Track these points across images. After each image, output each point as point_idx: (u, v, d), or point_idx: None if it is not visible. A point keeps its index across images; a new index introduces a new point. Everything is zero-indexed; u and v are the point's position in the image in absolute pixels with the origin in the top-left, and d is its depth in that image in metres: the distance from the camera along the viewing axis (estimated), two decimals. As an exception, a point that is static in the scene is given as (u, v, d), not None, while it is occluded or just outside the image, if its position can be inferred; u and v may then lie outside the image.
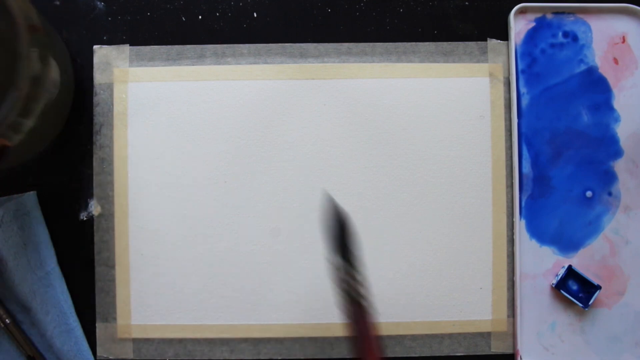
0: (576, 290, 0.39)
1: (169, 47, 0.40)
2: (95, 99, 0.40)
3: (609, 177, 0.40)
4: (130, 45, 0.40)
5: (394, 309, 0.40)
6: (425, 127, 0.40)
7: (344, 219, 0.33)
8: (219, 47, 0.40)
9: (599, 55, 0.40)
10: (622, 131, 0.40)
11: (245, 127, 0.40)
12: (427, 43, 0.40)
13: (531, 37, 0.40)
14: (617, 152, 0.40)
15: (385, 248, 0.40)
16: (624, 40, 0.40)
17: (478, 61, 0.40)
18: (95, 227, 0.40)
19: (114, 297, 0.39)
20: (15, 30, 0.29)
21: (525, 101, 0.40)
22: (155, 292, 0.39)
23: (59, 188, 0.40)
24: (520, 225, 0.40)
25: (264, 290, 0.40)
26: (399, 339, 0.40)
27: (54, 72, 0.33)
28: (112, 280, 0.39)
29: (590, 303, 0.39)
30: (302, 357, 0.40)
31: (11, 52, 0.29)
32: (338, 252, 0.32)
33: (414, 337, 0.40)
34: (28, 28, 0.30)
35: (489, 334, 0.40)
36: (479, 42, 0.40)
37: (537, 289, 0.40)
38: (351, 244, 0.33)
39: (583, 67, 0.40)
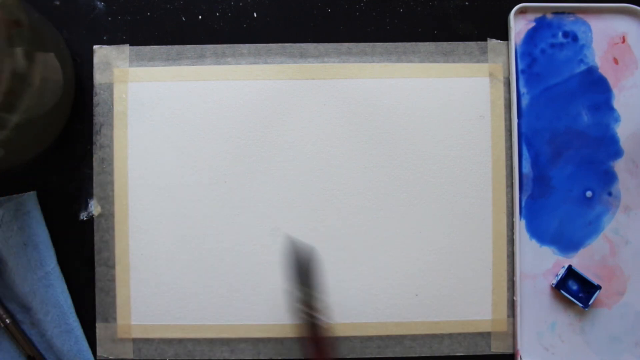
0: (576, 290, 0.39)
1: (169, 47, 0.40)
2: (95, 99, 0.40)
3: (609, 177, 0.40)
4: (130, 45, 0.40)
5: (394, 309, 0.40)
6: (425, 127, 0.40)
7: (306, 255, 0.36)
8: (219, 47, 0.40)
9: (599, 55, 0.40)
10: (622, 131, 0.40)
11: (245, 127, 0.40)
12: (427, 43, 0.40)
13: (531, 37, 0.40)
14: (617, 152, 0.40)
15: (385, 248, 0.40)
16: (624, 40, 0.40)
17: (478, 61, 0.40)
18: (95, 227, 0.40)
19: (114, 297, 0.39)
20: None
21: (525, 101, 0.40)
22: (155, 292, 0.39)
23: (59, 188, 0.40)
24: (520, 225, 0.40)
25: (264, 290, 0.40)
26: (399, 339, 0.40)
27: (43, 70, 0.33)
28: (112, 280, 0.39)
29: (590, 303, 0.39)
30: (302, 357, 0.40)
31: None
32: (300, 285, 0.36)
33: (414, 337, 0.40)
34: (10, 23, 0.30)
35: (489, 334, 0.40)
36: (479, 42, 0.40)
37: (537, 289, 0.40)
38: (313, 276, 0.36)
39: (583, 67, 0.40)
